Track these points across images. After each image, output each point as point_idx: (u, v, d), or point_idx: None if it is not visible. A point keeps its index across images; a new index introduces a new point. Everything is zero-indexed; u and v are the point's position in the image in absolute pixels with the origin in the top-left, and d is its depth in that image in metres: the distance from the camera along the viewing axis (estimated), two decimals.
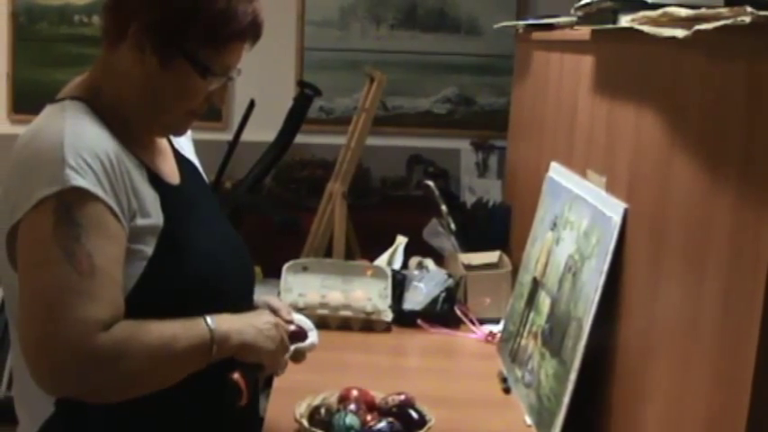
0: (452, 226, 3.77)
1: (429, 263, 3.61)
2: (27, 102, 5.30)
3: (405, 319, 3.30)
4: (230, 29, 2.06)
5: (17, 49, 5.47)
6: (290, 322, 2.32)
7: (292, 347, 2.28)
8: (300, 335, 2.32)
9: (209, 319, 2.03)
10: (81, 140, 1.95)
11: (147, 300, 2.01)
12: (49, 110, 2.09)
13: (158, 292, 2.04)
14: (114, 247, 1.95)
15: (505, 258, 3.52)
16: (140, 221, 2.02)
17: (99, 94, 2.10)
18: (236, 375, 2.12)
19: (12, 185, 1.98)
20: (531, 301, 2.80)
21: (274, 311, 2.30)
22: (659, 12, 1.87)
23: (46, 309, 1.86)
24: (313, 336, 2.36)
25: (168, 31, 2.03)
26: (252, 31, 2.11)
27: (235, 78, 2.18)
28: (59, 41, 5.46)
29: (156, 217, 2.06)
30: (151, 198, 2.07)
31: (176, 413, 2.09)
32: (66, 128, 1.96)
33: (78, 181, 1.89)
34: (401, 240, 3.75)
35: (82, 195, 1.90)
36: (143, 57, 2.05)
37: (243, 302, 2.25)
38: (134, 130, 2.12)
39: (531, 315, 2.77)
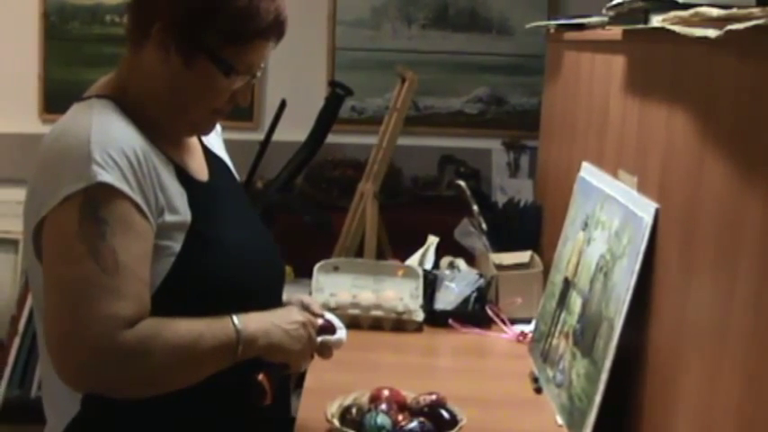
0: (484, 226, 3.76)
1: (460, 263, 3.61)
2: (58, 102, 5.27)
3: (436, 318, 3.30)
4: (253, 27, 2.07)
5: (48, 49, 5.49)
6: (320, 316, 2.32)
7: (319, 339, 2.28)
8: (329, 329, 2.32)
9: (236, 319, 2.04)
10: (108, 137, 1.96)
11: (174, 296, 2.02)
12: (75, 108, 2.11)
13: (186, 289, 2.05)
14: (140, 244, 1.96)
15: (537, 258, 3.52)
16: (168, 218, 2.03)
17: (125, 93, 2.12)
18: (260, 376, 2.13)
19: (39, 182, 1.99)
20: (563, 301, 2.80)
21: (305, 307, 2.30)
22: (691, 12, 1.87)
23: (70, 305, 1.88)
24: (341, 333, 2.36)
25: (191, 30, 2.05)
26: (275, 29, 2.11)
27: (258, 77, 2.18)
28: (91, 41, 5.47)
29: (183, 213, 2.07)
30: (179, 194, 2.08)
31: (202, 412, 2.10)
32: (93, 125, 1.98)
33: (105, 177, 1.91)
34: (432, 240, 3.74)
35: (108, 192, 1.91)
36: (167, 56, 2.06)
37: (271, 300, 2.25)
38: (161, 127, 2.13)
39: (563, 315, 2.76)
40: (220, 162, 2.37)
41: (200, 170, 2.23)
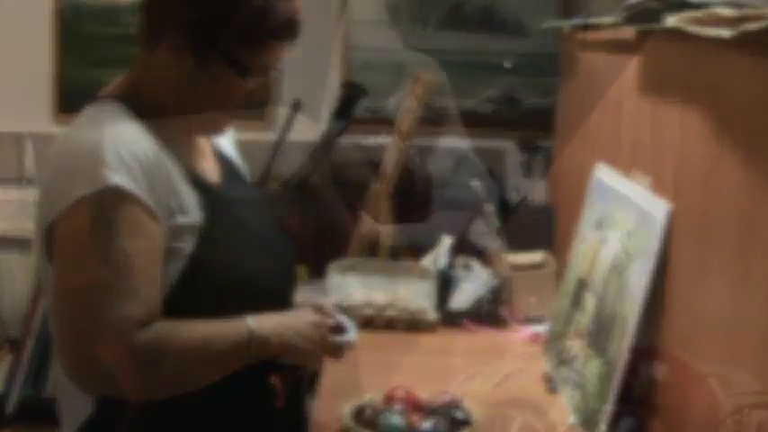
0: (498, 226, 3.76)
1: (474, 263, 3.61)
2: (73, 102, 5.23)
3: (450, 318, 3.31)
4: (267, 28, 2.06)
5: (62, 49, 5.49)
6: (333, 317, 2.32)
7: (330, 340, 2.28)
8: (341, 330, 2.32)
9: (248, 320, 2.04)
10: (120, 140, 1.96)
11: (186, 298, 2.02)
12: (88, 109, 2.11)
13: (197, 291, 2.05)
14: (151, 246, 1.96)
15: (551, 258, 3.52)
16: (180, 220, 2.04)
17: (138, 94, 2.12)
18: (273, 378, 2.13)
19: (51, 184, 2.00)
20: (577, 300, 2.80)
21: (318, 309, 2.30)
22: (704, 12, 1.87)
23: (82, 307, 1.88)
24: (352, 334, 2.35)
25: (204, 32, 2.04)
26: (289, 29, 2.11)
27: (272, 77, 2.18)
28: (105, 41, 5.47)
29: (195, 215, 2.07)
30: (190, 197, 2.08)
31: (215, 413, 2.10)
32: (106, 127, 1.98)
33: (116, 180, 1.91)
34: (446, 240, 3.75)
35: (120, 194, 1.92)
36: (180, 57, 2.06)
37: (282, 302, 2.25)
38: (173, 129, 2.13)
39: (577, 315, 2.76)
40: (231, 163, 2.37)
41: (210, 172, 2.24)
